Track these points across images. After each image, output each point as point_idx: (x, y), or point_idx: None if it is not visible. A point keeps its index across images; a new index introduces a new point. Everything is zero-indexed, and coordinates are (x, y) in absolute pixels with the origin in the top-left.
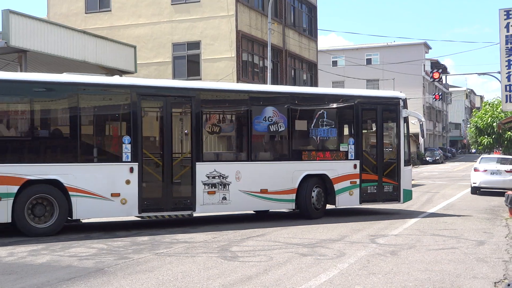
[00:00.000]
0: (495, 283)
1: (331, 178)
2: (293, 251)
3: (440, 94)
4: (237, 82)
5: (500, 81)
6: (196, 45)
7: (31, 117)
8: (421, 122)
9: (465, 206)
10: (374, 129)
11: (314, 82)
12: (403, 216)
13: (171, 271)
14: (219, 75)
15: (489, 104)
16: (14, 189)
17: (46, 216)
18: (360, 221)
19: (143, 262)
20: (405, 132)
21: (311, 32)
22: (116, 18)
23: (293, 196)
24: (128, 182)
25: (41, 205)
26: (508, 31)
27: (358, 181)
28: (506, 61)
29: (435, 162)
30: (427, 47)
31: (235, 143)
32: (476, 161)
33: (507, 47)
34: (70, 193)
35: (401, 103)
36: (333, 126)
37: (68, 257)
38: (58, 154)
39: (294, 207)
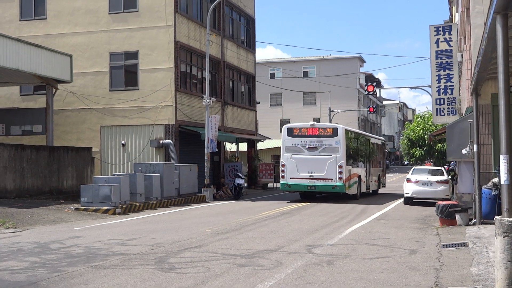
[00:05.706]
0: None
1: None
2: (230, 262)
3: (374, 107)
4: (175, 92)
5: (431, 95)
6: (133, 55)
7: (358, 151)
8: (387, 150)
9: (398, 216)
10: (382, 154)
11: (252, 93)
12: (339, 226)
13: (107, 283)
14: (157, 86)
15: (420, 117)
16: (357, 178)
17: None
18: (297, 232)
19: (78, 275)
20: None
21: (249, 44)
22: (51, 26)
23: (378, 183)
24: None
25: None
26: (438, 46)
27: (379, 178)
28: (436, 75)
29: None
30: (361, 61)
31: (370, 160)
32: (408, 173)
33: (437, 62)
34: (362, 181)
35: (385, 142)
36: (378, 152)
37: None
38: (361, 164)
39: (377, 188)
